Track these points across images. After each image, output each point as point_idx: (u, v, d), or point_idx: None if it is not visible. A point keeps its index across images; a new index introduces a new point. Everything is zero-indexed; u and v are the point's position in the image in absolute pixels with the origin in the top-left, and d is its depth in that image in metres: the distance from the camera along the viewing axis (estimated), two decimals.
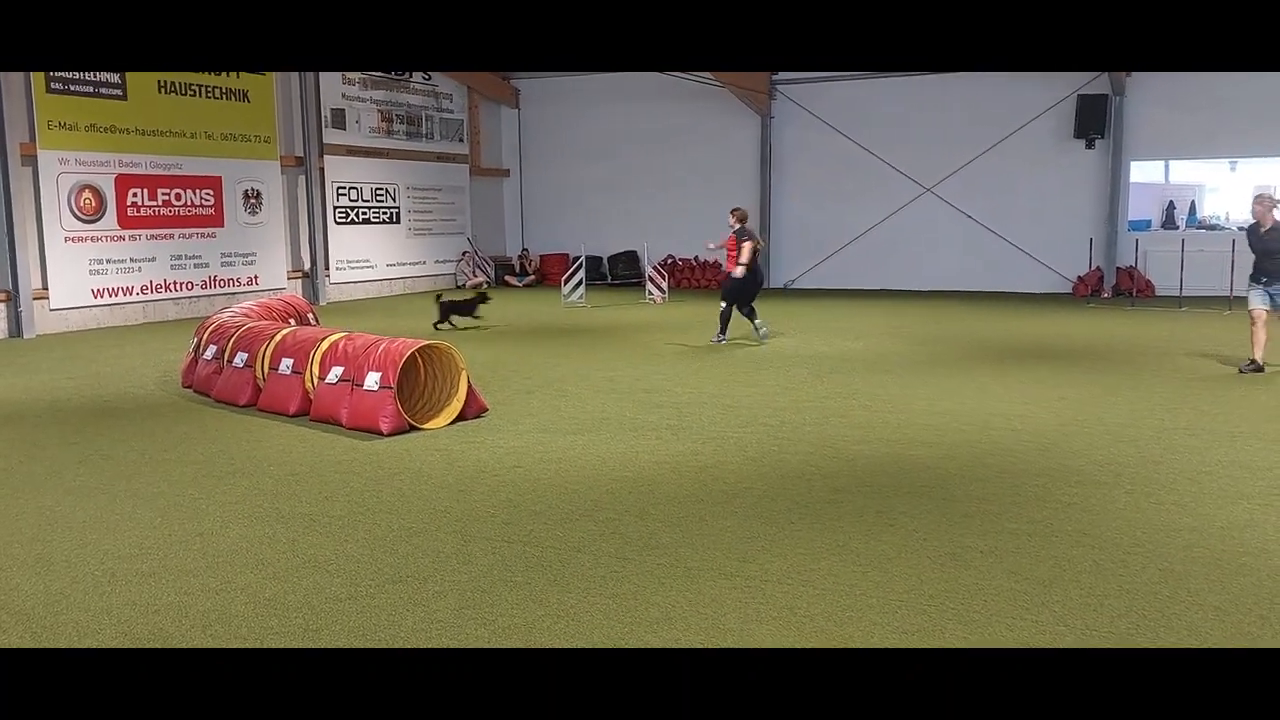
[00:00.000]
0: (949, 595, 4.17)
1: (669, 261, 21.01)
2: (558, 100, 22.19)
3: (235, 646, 3.79)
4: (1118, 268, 17.88)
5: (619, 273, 21.42)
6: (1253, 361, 9.51)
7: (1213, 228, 18.32)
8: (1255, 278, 9.61)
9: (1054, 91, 18.10)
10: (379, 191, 19.56)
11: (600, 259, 21.47)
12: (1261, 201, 9.74)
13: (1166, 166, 19.05)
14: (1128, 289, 17.39)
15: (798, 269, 20.48)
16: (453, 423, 7.55)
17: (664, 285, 18.01)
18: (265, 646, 3.78)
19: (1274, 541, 4.74)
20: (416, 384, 7.85)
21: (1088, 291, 17.81)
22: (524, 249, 22.63)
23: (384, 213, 19.72)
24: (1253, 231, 9.71)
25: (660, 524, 5.19)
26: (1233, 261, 15.22)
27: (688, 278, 21.03)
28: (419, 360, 7.78)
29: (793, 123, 20.44)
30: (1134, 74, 17.48)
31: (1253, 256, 9.71)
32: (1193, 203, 19.15)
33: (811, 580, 4.37)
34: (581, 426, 7.52)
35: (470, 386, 7.73)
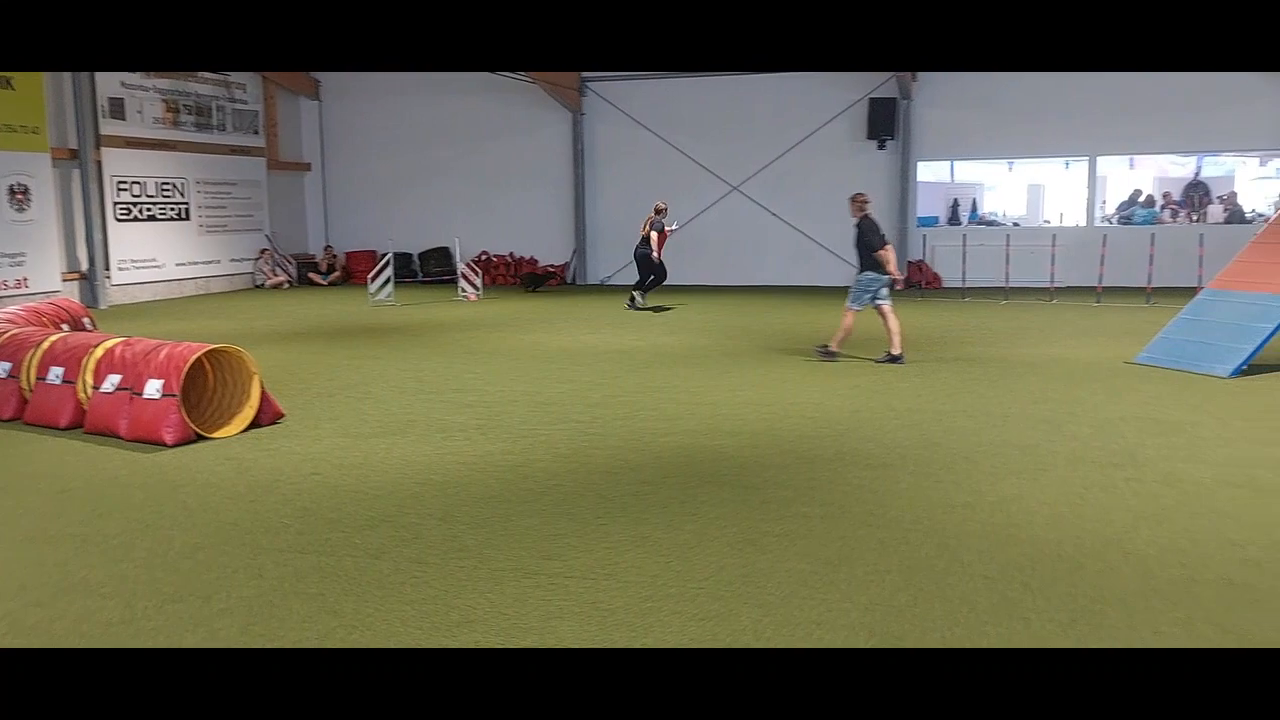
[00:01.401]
0: (745, 580, 4.29)
1: (483, 258, 20.76)
2: (360, 92, 21.47)
3: None
4: (909, 261, 18.99)
5: (430, 270, 20.98)
6: (832, 351, 10.24)
7: (991, 223, 19.74)
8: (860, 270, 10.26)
9: (848, 94, 19.02)
10: (165, 186, 18.31)
11: (410, 256, 20.97)
12: (854, 200, 10.52)
13: (951, 166, 20.41)
14: (918, 281, 18.53)
15: (613, 265, 20.66)
16: (245, 430, 7.16)
17: (478, 282, 17.75)
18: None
19: (1036, 514, 5.14)
20: (204, 391, 7.39)
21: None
22: (327, 245, 21.78)
23: (172, 209, 18.46)
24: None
25: (465, 526, 5.10)
26: (1007, 255, 16.49)
27: (503, 274, 20.83)
28: (206, 365, 7.33)
29: (604, 120, 20.59)
30: (919, 79, 18.61)
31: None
32: (974, 200, 20.61)
33: (615, 574, 4.40)
34: (386, 429, 7.30)
35: (264, 391, 7.35)
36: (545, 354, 11.07)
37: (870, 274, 10.23)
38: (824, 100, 19.14)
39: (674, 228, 15.63)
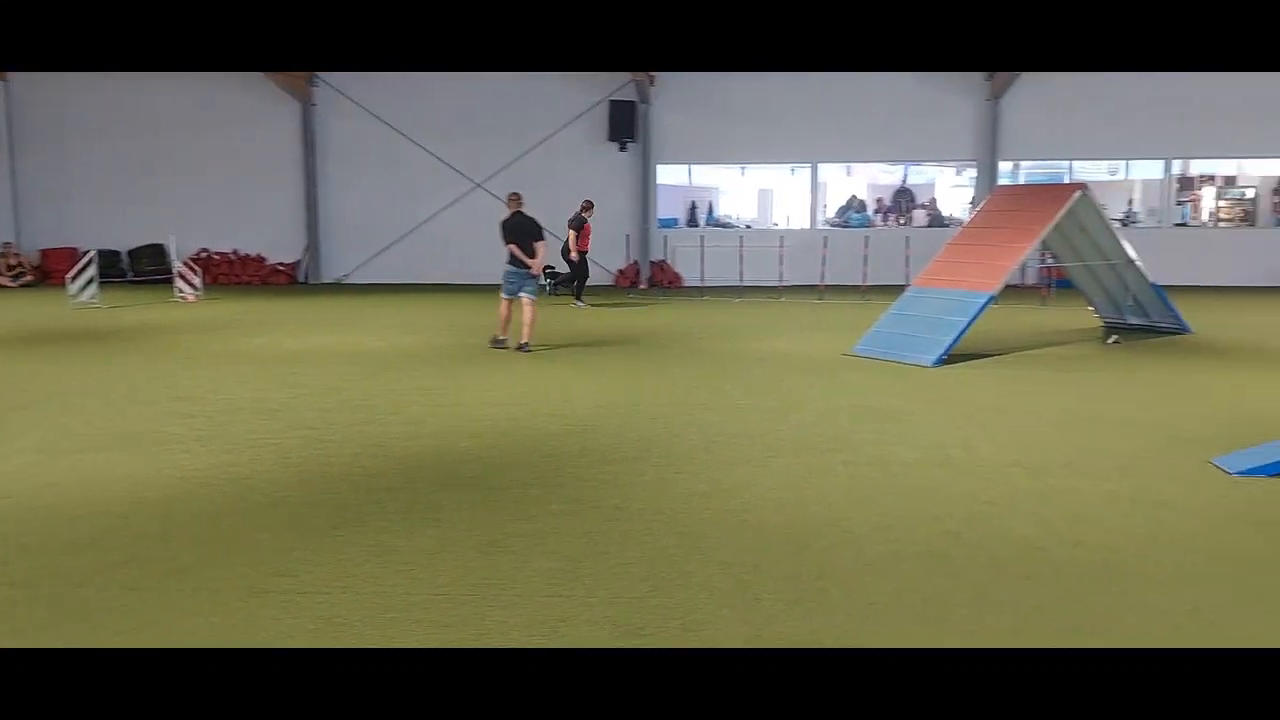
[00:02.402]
0: (490, 582, 4.23)
1: (203, 256, 19.35)
2: (55, 75, 19.42)
3: None
4: (651, 261, 19.61)
5: (142, 268, 19.32)
6: (500, 339, 11.11)
7: (726, 226, 20.75)
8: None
9: (589, 96, 19.36)
10: None
11: (118, 254, 19.20)
12: (512, 197, 11.33)
13: (689, 170, 21.25)
14: (661, 281, 19.17)
15: (351, 263, 19.90)
16: None
17: (197, 282, 16.52)
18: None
19: (766, 499, 5.43)
20: None
21: (627, 284, 19.33)
22: (6, 243, 19.47)
23: None
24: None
25: (184, 545, 4.70)
26: (741, 255, 17.39)
27: (226, 273, 19.53)
28: None
29: (338, 111, 19.79)
30: (657, 83, 19.24)
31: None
32: (711, 203, 21.59)
33: (352, 586, 4.21)
34: (92, 444, 6.61)
35: None
36: (275, 358, 10.47)
37: (513, 268, 10.98)
38: (566, 101, 19.37)
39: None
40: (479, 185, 19.69)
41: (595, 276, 19.63)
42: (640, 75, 18.69)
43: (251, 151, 19.77)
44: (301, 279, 20.04)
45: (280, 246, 20.09)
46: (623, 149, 19.51)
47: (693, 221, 20.67)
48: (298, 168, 19.79)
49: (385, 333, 12.46)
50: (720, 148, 19.78)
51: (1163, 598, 4.05)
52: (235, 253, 19.83)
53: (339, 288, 18.89)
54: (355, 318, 14.20)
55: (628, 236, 19.50)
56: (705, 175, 21.63)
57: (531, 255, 10.86)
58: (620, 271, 19.63)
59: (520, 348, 10.75)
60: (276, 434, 6.96)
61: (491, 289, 18.98)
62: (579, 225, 15.76)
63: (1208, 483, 5.68)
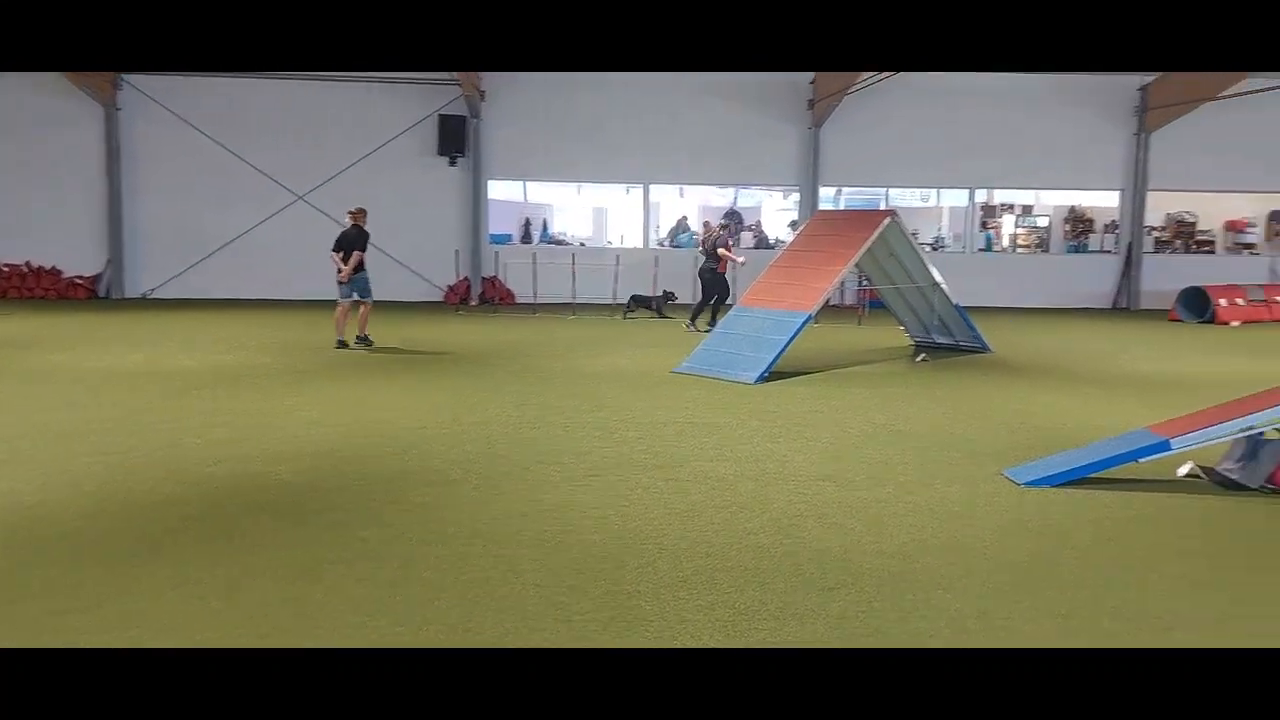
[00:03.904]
0: (296, 613, 4.07)
1: None
2: None
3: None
4: (483, 277, 19.42)
5: None
6: (342, 342, 12.21)
7: (560, 243, 20.78)
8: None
9: (418, 109, 19.04)
10: None
11: None
12: (353, 212, 12.44)
13: (524, 186, 21.19)
14: (492, 297, 19.01)
15: (159, 277, 18.80)
16: None
17: None
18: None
19: (587, 517, 5.45)
20: None
21: (457, 300, 19.07)
22: None
23: None
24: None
25: None
26: (574, 273, 17.47)
27: (17, 286, 18.10)
28: None
29: (146, 117, 18.71)
30: (488, 99, 19.12)
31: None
32: (545, 220, 21.57)
33: (146, 622, 3.95)
34: None
35: None
36: (72, 378, 9.76)
37: (363, 274, 12.37)
38: (394, 113, 19.00)
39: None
40: (301, 198, 19.01)
41: (422, 293, 19.30)
42: (470, 90, 18.52)
43: (47, 157, 18.41)
44: (103, 294, 18.77)
45: (79, 258, 18.77)
46: (453, 163, 19.27)
47: (527, 238, 20.61)
48: (100, 175, 18.56)
49: (197, 351, 11.83)
50: (555, 165, 19.83)
51: (954, 602, 4.30)
52: (28, 264, 18.39)
53: (146, 303, 17.80)
54: (164, 335, 13.42)
55: (457, 252, 19.26)
56: (541, 192, 21.64)
57: (345, 261, 12.21)
58: (450, 288, 19.35)
59: (360, 340, 12.27)
60: (71, 460, 6.48)
61: (317, 304, 18.42)
62: (724, 244, 15.28)
63: (999, 493, 6.09)
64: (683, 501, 5.79)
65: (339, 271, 12.23)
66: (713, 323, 14.14)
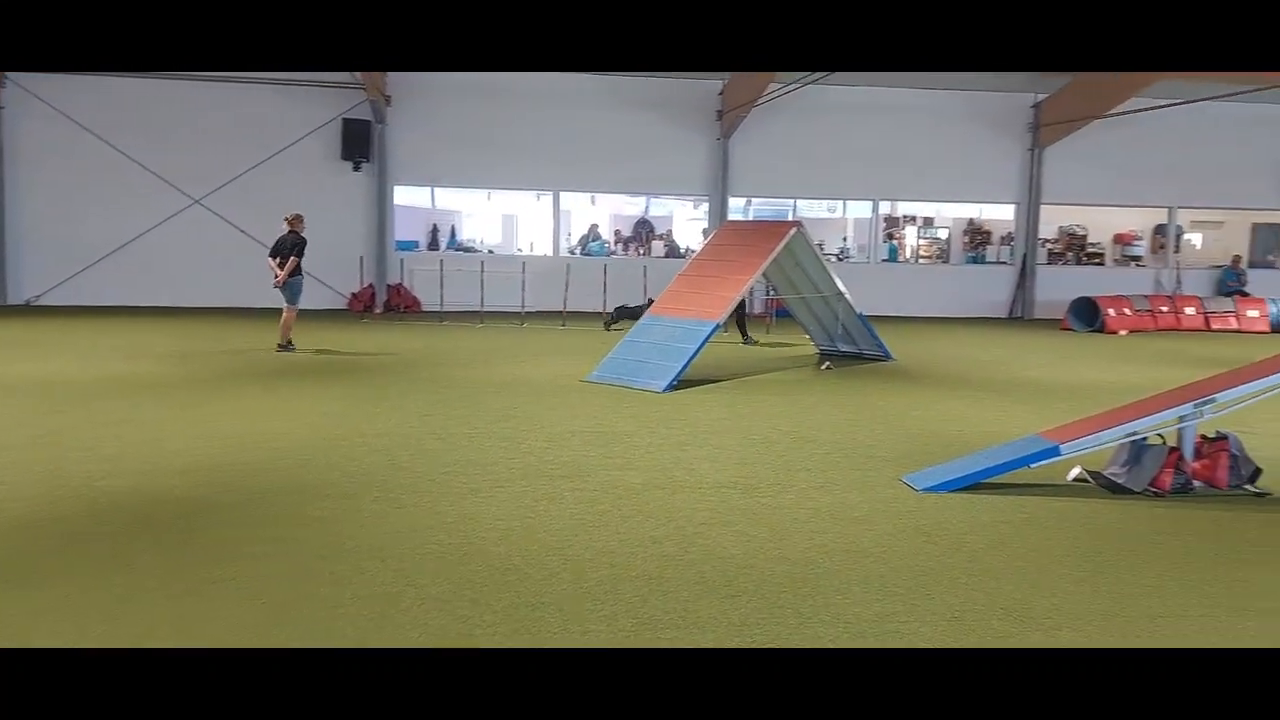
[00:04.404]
0: (181, 635, 3.90)
1: None
2: None
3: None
4: (388, 285, 19.08)
5: None
6: (288, 344, 12.60)
7: (469, 250, 20.55)
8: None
9: (321, 112, 18.64)
10: None
11: None
12: (290, 218, 12.76)
13: (432, 193, 20.90)
14: (397, 305, 18.68)
15: (45, 283, 17.98)
16: None
17: None
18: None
19: (491, 529, 5.37)
20: None
21: (362, 308, 18.70)
22: None
23: None
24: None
25: None
26: (482, 280, 17.29)
27: None
28: None
29: (32, 115, 17.89)
30: (394, 104, 18.83)
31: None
32: (453, 226, 21.31)
33: (18, 645, 3.74)
34: None
35: None
36: None
37: (298, 279, 12.73)
38: (296, 116, 18.56)
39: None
40: (197, 201, 18.40)
41: (326, 300, 18.86)
42: (375, 94, 18.20)
43: None
44: None
45: None
46: (357, 168, 18.90)
47: (434, 245, 20.33)
48: None
49: (86, 361, 11.33)
50: (463, 171, 19.61)
51: (853, 606, 4.37)
52: None
53: (30, 311, 16.98)
54: (50, 343, 12.83)
55: (362, 259, 18.89)
56: (449, 198, 21.37)
57: (282, 267, 12.51)
58: (354, 295, 18.96)
59: (282, 347, 12.57)
60: None
61: (221, 314, 17.84)
62: None
63: (898, 498, 6.22)
64: (589, 511, 5.76)
65: (275, 277, 12.55)
66: (745, 333, 14.56)
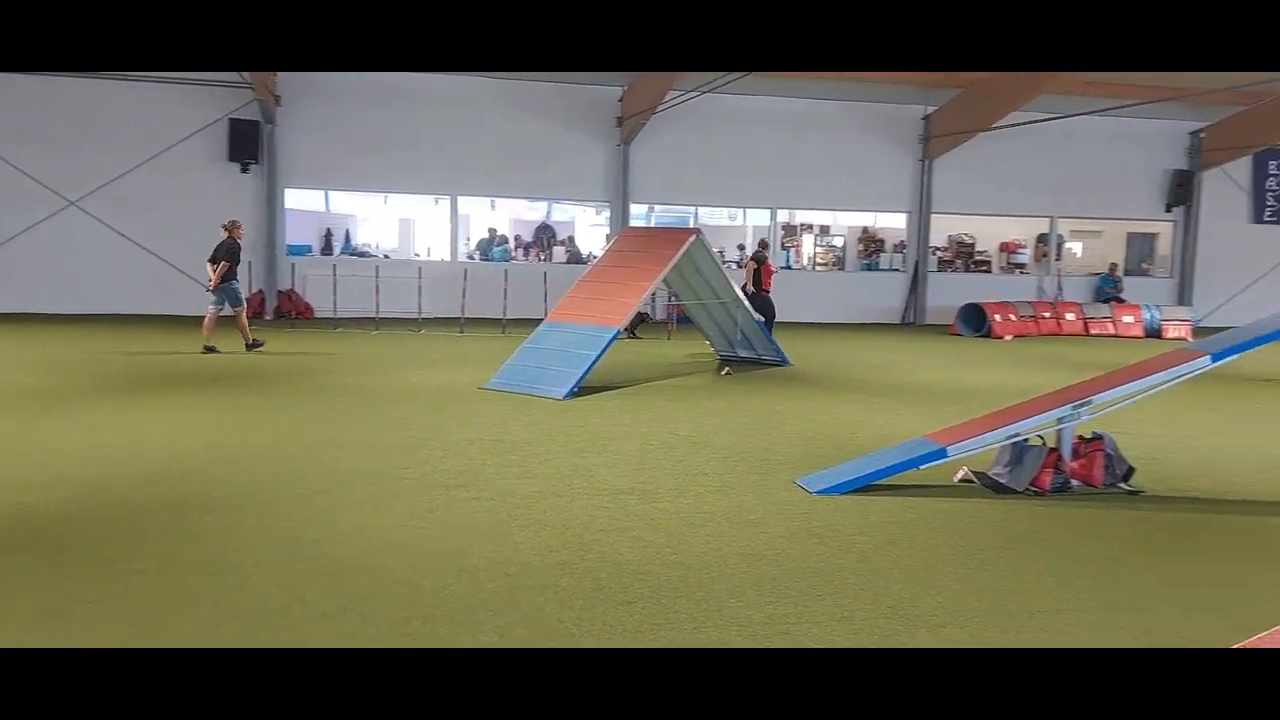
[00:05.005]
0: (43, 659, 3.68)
1: None
2: None
3: None
4: (279, 291, 18.52)
5: None
6: (210, 348, 12.86)
7: (364, 254, 20.10)
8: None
9: (207, 112, 18.00)
10: None
11: None
12: (226, 225, 13.21)
13: (326, 196, 20.36)
14: (289, 311, 18.15)
15: None
16: None
17: None
18: None
19: (383, 540, 5.24)
20: None
21: (251, 314, 18.08)
22: None
23: None
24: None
25: None
26: (377, 286, 16.94)
27: None
28: None
29: None
30: (284, 104, 18.31)
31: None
32: (348, 230, 20.81)
33: None
34: None
35: None
36: None
37: (232, 283, 13.06)
38: (180, 115, 17.89)
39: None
40: (73, 204, 17.56)
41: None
42: (264, 93, 17.65)
43: None
44: None
45: None
46: (245, 170, 18.31)
47: (328, 249, 19.82)
48: None
49: None
50: (358, 174, 19.17)
51: (746, 609, 4.40)
52: None
53: None
54: None
55: (250, 264, 18.29)
56: (344, 202, 20.87)
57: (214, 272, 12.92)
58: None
59: (250, 346, 13.08)
60: None
61: (95, 321, 17.01)
62: (760, 261, 14.83)
63: (792, 501, 6.30)
64: (485, 521, 5.67)
65: (209, 280, 13.01)
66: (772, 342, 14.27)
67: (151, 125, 17.78)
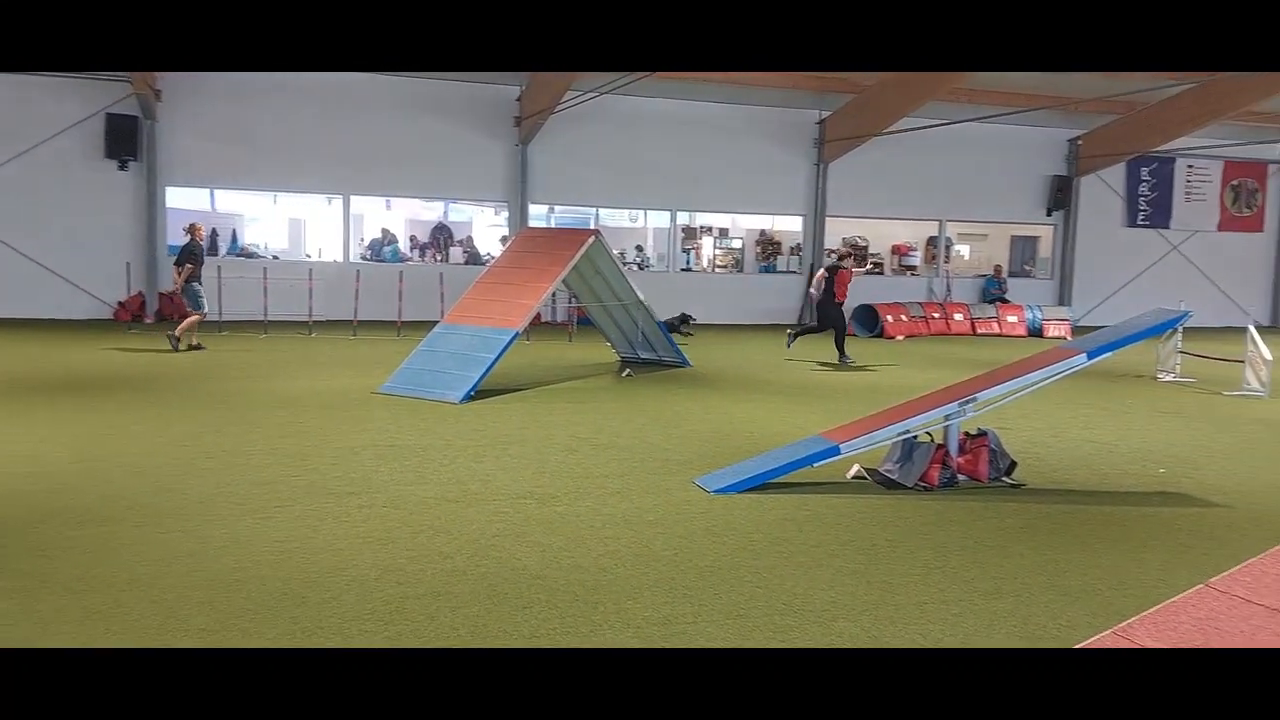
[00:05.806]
0: None
1: None
2: None
3: None
4: (160, 293, 17.78)
5: None
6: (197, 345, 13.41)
7: (252, 255, 19.43)
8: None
9: (81, 108, 17.17)
10: None
11: None
12: (186, 228, 13.77)
13: (212, 195, 19.62)
14: (170, 314, 17.42)
15: None
16: None
17: None
18: None
19: (267, 552, 5.06)
20: None
21: (129, 317, 17.36)
22: None
23: None
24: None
25: None
26: (266, 288, 16.41)
27: None
28: None
29: None
30: (165, 100, 17.59)
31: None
32: (234, 231, 20.09)
33: None
34: None
35: None
36: None
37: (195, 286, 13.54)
38: (50, 110, 17.02)
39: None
40: None
41: (88, 309, 17.43)
42: (143, 88, 16.90)
43: None
44: None
45: None
46: (123, 167, 17.51)
47: (213, 250, 19.07)
48: None
49: None
50: (246, 173, 18.54)
51: (643, 610, 4.38)
52: None
53: None
54: None
55: (128, 265, 17.53)
56: (231, 201, 20.15)
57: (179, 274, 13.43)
58: (121, 304, 17.56)
59: (192, 347, 13.36)
60: None
61: None
62: (833, 271, 14.24)
63: (690, 501, 6.32)
64: (376, 528, 5.53)
65: (174, 283, 13.63)
66: (843, 352, 14.14)
67: (21, 119, 16.86)
